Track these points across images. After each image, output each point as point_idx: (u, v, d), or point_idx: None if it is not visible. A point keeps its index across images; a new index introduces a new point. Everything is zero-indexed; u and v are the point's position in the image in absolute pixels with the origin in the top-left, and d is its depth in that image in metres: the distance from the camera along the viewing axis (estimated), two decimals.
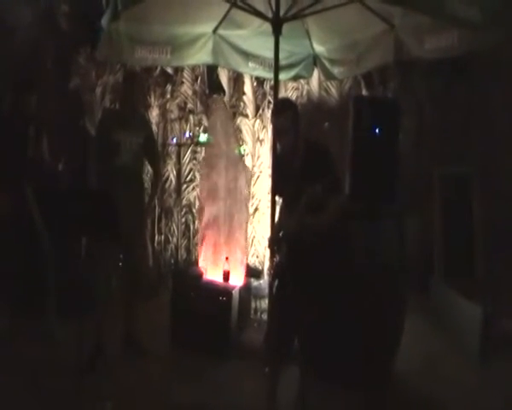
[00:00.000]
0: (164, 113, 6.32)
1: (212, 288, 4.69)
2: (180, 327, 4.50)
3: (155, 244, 6.24)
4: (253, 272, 5.61)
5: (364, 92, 6.20)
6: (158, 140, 5.85)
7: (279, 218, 3.80)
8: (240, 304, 4.68)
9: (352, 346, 3.80)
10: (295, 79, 6.00)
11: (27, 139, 4.49)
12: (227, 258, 4.79)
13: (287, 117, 3.34)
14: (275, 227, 3.74)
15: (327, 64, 5.63)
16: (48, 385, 3.67)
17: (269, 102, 6.08)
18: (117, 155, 4.17)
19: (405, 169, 5.60)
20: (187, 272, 5.28)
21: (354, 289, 3.82)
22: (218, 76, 6.27)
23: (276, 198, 4.20)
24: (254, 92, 6.19)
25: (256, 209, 6.09)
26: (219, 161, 5.05)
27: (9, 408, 3.38)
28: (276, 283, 3.58)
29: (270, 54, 4.75)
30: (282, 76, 5.26)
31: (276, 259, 3.55)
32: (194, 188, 6.29)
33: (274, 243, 3.49)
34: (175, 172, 6.28)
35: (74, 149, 5.56)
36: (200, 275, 4.83)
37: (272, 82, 4.84)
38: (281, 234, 3.55)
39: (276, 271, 3.54)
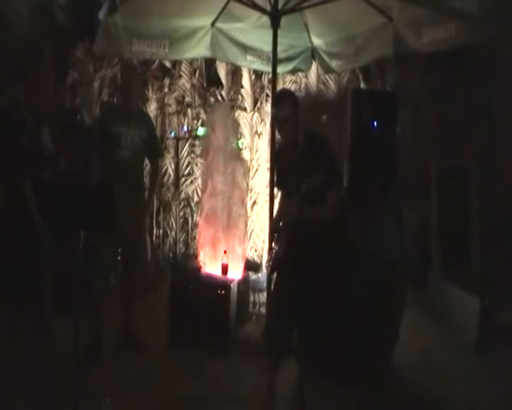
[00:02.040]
0: (162, 106, 6.30)
1: (210, 281, 4.70)
2: (179, 321, 4.50)
3: (154, 238, 6.24)
4: (251, 266, 5.61)
5: (363, 85, 6.20)
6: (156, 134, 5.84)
7: (279, 208, 3.81)
8: (238, 297, 4.68)
9: (350, 340, 3.81)
10: (293, 72, 5.99)
11: (24, 133, 4.47)
12: (225, 251, 4.79)
13: (286, 107, 3.33)
14: (274, 218, 3.75)
15: (325, 57, 5.63)
16: (46, 381, 3.66)
17: (267, 95, 6.07)
18: (117, 150, 4.15)
19: (403, 162, 5.60)
20: (185, 265, 5.30)
21: (353, 281, 3.83)
22: (216, 69, 6.26)
23: (275, 191, 4.22)
24: (252, 86, 6.18)
25: (254, 203, 6.09)
26: (217, 155, 5.04)
27: (8, 404, 3.38)
28: (275, 275, 3.59)
29: (268, 47, 4.76)
30: (280, 69, 5.26)
31: (275, 250, 3.55)
32: (192, 181, 6.29)
33: (273, 234, 3.49)
34: (173, 166, 6.28)
35: (72, 143, 5.55)
36: (198, 268, 4.83)
37: (270, 75, 4.85)
38: (280, 224, 3.56)
39: (274, 262, 3.54)
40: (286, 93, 3.91)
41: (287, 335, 3.45)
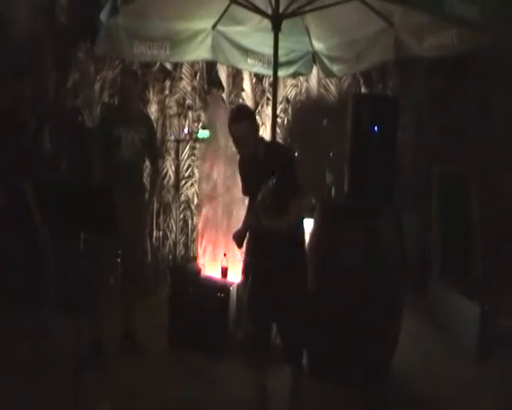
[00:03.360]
0: (162, 109, 6.29)
1: (210, 284, 4.69)
2: (178, 323, 4.50)
3: (153, 240, 6.24)
4: None
5: (363, 90, 6.21)
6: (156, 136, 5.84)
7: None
8: (238, 301, 4.68)
9: (349, 345, 3.81)
10: (294, 75, 6.01)
11: (25, 134, 4.48)
12: (225, 254, 4.79)
13: (244, 123, 3.23)
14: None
15: (326, 61, 5.64)
16: (45, 382, 3.67)
17: (268, 98, 6.08)
18: (117, 151, 4.14)
19: (403, 167, 5.61)
20: (185, 268, 5.28)
21: (348, 286, 3.82)
22: (216, 72, 6.26)
23: None
24: (253, 89, 6.19)
25: None
26: (218, 158, 5.04)
27: (6, 406, 3.38)
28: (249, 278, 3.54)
29: (269, 50, 4.77)
30: (281, 73, 5.26)
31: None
32: (192, 184, 6.28)
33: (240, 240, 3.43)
34: (173, 168, 6.27)
35: (73, 144, 5.55)
36: (198, 271, 4.82)
37: (271, 79, 4.85)
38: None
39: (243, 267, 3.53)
40: (241, 109, 3.78)
41: (264, 336, 3.41)
